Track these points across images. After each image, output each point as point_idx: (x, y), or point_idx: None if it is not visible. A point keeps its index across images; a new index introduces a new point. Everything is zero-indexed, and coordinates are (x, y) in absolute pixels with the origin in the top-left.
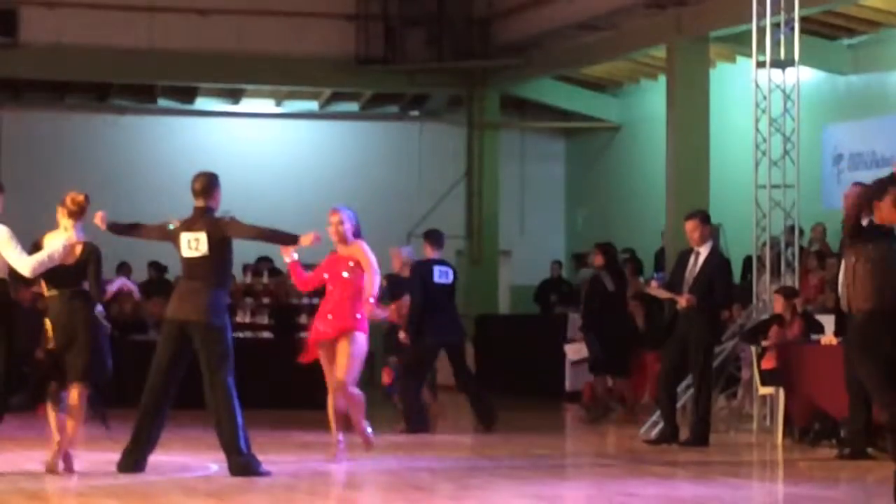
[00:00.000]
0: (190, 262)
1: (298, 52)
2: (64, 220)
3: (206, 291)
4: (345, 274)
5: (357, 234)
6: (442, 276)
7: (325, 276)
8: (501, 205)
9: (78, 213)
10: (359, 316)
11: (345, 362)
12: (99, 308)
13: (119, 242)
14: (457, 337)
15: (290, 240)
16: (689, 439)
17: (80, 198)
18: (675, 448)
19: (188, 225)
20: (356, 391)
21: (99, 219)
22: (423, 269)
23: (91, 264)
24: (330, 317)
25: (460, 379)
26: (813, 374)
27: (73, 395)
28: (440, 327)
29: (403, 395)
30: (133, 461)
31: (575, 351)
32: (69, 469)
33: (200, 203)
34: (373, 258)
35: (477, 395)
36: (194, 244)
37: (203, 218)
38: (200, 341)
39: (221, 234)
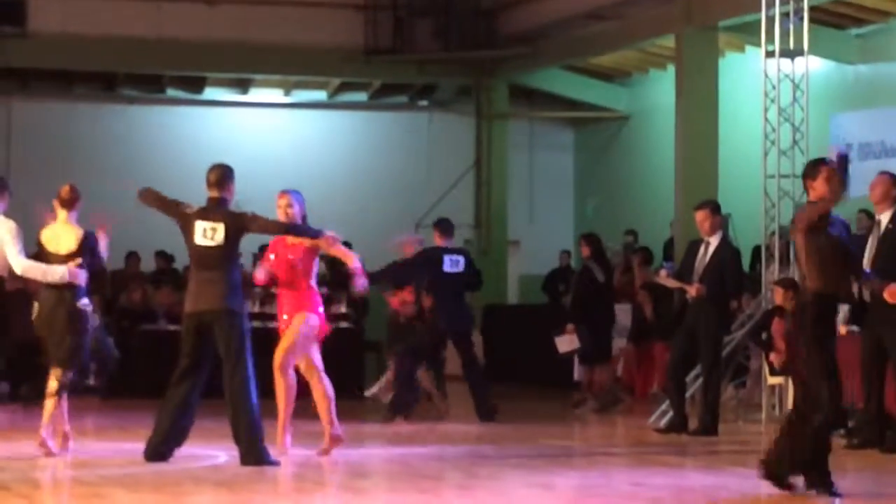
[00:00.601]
0: (203, 251)
1: (307, 42)
2: (60, 212)
3: (221, 280)
4: (290, 256)
5: (304, 219)
6: (452, 265)
7: (272, 256)
8: (510, 195)
9: (69, 203)
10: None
11: (286, 341)
12: (85, 301)
13: (128, 233)
14: (464, 326)
15: (312, 233)
16: (697, 429)
17: (66, 188)
18: (683, 438)
19: (204, 214)
20: (291, 376)
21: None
22: (432, 254)
23: (85, 253)
24: (285, 314)
25: (465, 368)
26: None
27: (51, 380)
28: (449, 315)
29: (397, 374)
30: (159, 451)
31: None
32: (63, 448)
33: (215, 194)
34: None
35: (476, 387)
36: (210, 233)
37: (219, 209)
38: (219, 328)
39: (240, 227)
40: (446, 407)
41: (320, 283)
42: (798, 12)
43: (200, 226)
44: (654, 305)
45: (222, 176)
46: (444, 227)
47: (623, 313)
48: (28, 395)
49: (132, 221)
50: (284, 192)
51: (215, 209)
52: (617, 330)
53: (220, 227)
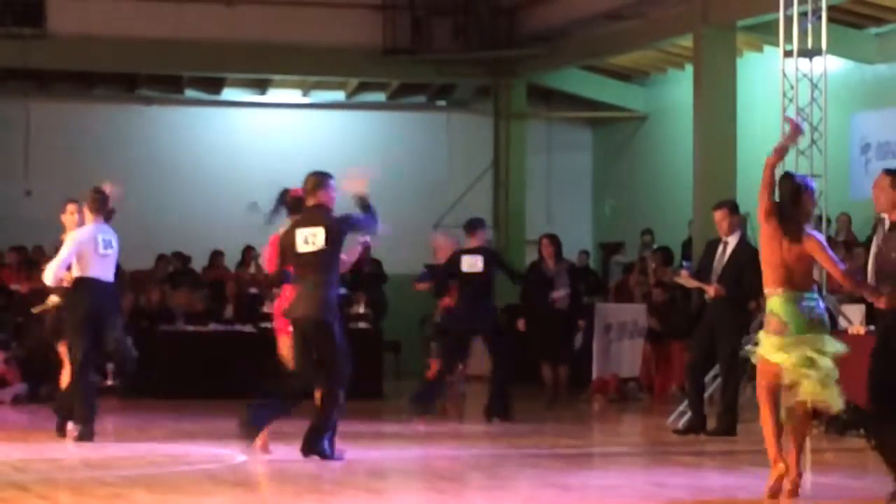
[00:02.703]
0: (303, 258)
1: (325, 42)
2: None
3: (320, 289)
4: None
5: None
6: (470, 265)
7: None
8: (528, 195)
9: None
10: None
11: None
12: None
13: (151, 235)
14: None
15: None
16: (716, 429)
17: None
18: (702, 438)
19: (305, 221)
20: None
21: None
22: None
23: None
24: None
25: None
26: (841, 363)
27: None
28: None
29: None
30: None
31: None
32: None
33: (312, 201)
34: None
35: (495, 385)
36: (311, 239)
37: (318, 214)
38: (314, 337)
39: (338, 230)
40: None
41: (341, 284)
42: (816, 12)
43: (301, 234)
44: (663, 304)
45: (317, 182)
46: (466, 227)
47: (641, 314)
48: (48, 396)
49: (151, 222)
50: None
51: (314, 215)
52: (636, 329)
53: (321, 232)
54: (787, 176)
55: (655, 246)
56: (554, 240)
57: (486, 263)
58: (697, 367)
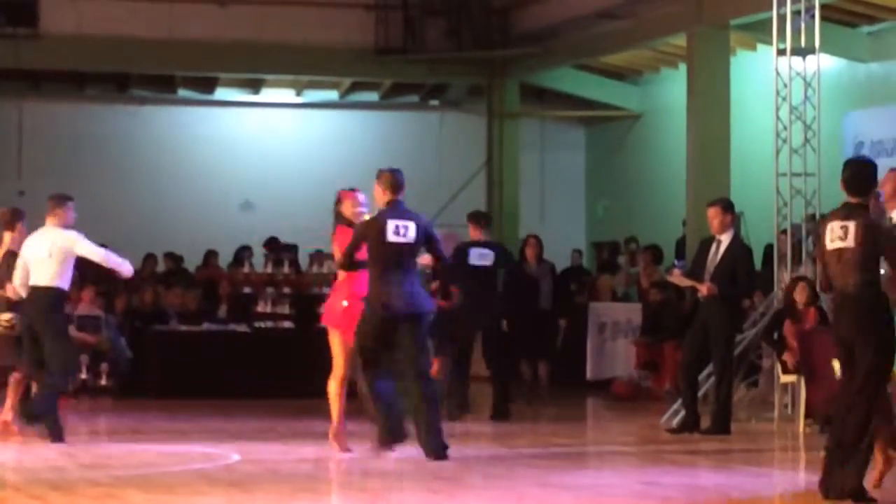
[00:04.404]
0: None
1: (318, 42)
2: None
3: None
4: None
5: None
6: (480, 258)
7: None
8: (521, 194)
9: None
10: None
11: None
12: None
13: (144, 235)
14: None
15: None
16: (710, 428)
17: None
18: (696, 437)
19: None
20: None
21: None
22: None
23: None
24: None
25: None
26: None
27: None
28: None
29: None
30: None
31: None
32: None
33: (398, 196)
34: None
35: (496, 385)
36: (403, 230)
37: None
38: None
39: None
40: None
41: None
42: (809, 10)
43: (392, 224)
44: (654, 311)
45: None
46: (474, 219)
47: (635, 313)
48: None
49: (144, 222)
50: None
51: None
52: (629, 328)
53: (412, 225)
54: None
55: (635, 247)
56: (539, 241)
57: (497, 257)
58: (691, 366)
